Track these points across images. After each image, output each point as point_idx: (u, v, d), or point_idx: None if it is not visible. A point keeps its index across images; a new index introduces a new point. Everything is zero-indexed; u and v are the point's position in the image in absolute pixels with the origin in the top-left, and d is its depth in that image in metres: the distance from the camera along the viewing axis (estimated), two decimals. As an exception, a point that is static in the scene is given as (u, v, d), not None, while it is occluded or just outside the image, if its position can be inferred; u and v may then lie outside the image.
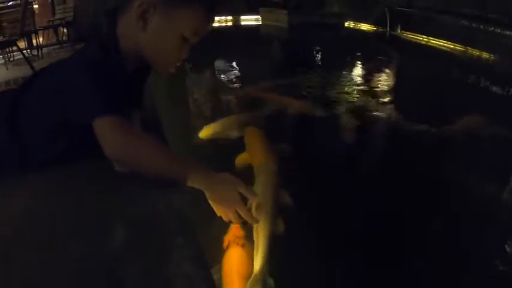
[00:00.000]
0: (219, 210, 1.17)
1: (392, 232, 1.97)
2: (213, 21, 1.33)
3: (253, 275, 1.57)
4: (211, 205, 1.16)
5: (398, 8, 7.89)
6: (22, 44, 6.70)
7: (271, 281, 1.55)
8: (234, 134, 3.08)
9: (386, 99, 4.04)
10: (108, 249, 0.85)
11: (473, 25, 5.78)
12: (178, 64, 1.33)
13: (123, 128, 1.10)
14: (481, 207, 2.19)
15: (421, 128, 3.01)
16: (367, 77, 4.89)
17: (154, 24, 1.23)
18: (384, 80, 4.82)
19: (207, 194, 1.14)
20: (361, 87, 4.48)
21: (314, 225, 2.00)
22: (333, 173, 2.54)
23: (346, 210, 2.13)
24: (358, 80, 4.84)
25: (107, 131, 1.09)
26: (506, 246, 1.91)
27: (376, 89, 4.42)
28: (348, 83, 4.63)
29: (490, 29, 5.45)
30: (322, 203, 2.16)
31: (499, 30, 5.31)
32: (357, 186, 2.39)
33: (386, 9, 7.98)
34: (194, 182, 1.11)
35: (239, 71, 5.25)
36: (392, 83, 4.75)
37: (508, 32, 5.16)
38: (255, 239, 1.75)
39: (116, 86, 1.15)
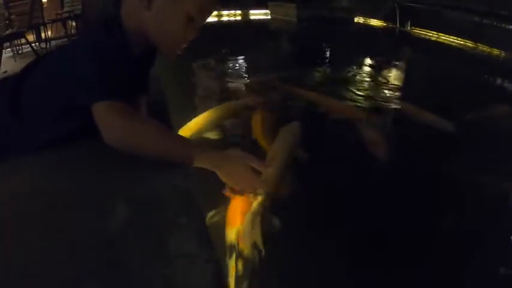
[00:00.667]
0: (232, 184, 1.15)
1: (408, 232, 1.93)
2: (219, 1, 1.29)
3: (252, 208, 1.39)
4: (224, 181, 1.14)
5: (408, 4, 7.83)
6: (31, 37, 6.72)
7: (276, 220, 1.40)
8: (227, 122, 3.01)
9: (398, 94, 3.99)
10: (107, 228, 0.85)
11: (484, 21, 5.72)
12: (185, 44, 1.29)
13: (122, 113, 1.07)
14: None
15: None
16: (379, 73, 4.82)
17: (159, 2, 1.19)
18: (396, 76, 4.76)
19: (218, 172, 1.11)
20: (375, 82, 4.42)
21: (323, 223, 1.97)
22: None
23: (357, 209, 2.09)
24: (371, 76, 4.78)
25: (103, 116, 1.07)
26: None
27: (389, 84, 4.35)
28: (363, 79, 4.56)
29: (500, 25, 5.39)
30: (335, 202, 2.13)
31: (510, 27, 5.25)
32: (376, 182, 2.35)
33: (395, 4, 7.93)
34: (202, 162, 1.09)
35: (248, 64, 5.22)
36: (405, 78, 4.68)
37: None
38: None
39: (119, 69, 1.13)
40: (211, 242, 0.85)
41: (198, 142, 1.14)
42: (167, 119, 1.46)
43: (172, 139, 1.13)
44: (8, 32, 5.47)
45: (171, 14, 1.20)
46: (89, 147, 1.13)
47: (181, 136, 1.16)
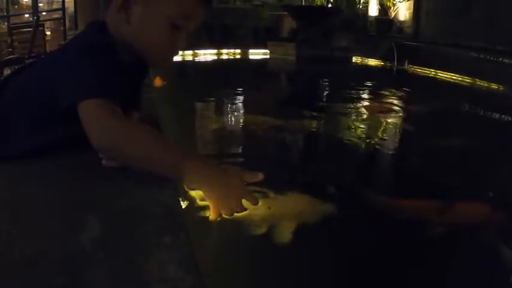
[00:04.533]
0: (219, 207, 0.97)
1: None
2: (207, 2, 1.17)
3: None
4: (210, 203, 0.98)
5: (405, 42, 7.93)
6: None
7: None
8: None
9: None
10: (73, 244, 0.73)
11: (481, 56, 5.76)
12: (175, 55, 1.19)
13: (114, 113, 0.95)
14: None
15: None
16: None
17: (138, 15, 1.09)
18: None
19: (206, 193, 0.97)
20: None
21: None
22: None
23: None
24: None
25: (92, 115, 0.95)
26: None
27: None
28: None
29: (498, 59, 5.42)
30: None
31: (507, 61, 5.28)
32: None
33: (393, 44, 8.03)
34: (192, 177, 0.95)
35: (247, 102, 5.20)
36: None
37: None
38: None
39: (109, 70, 1.03)
40: (198, 265, 0.73)
41: (192, 153, 1.02)
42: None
43: (167, 146, 0.99)
44: (9, 57, 5.55)
45: (153, 25, 1.11)
46: (69, 156, 1.03)
47: (176, 146, 1.04)
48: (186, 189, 1.01)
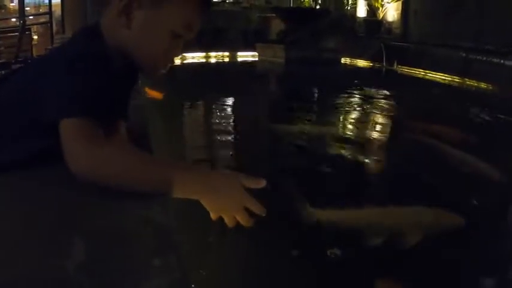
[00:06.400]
0: (220, 213, 0.95)
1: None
2: (208, 12, 1.15)
3: None
4: (211, 213, 0.95)
5: (394, 43, 7.93)
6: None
7: None
8: None
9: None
10: (54, 268, 0.68)
11: (470, 56, 5.77)
12: (170, 64, 1.17)
13: (93, 137, 0.91)
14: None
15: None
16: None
17: (140, 21, 1.06)
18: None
19: (206, 202, 0.94)
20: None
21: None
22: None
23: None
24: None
25: (70, 138, 0.90)
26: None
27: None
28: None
29: (487, 59, 5.44)
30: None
31: (496, 60, 5.29)
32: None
33: (382, 44, 8.03)
34: (184, 187, 0.92)
35: (236, 107, 5.14)
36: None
37: (506, 62, 5.14)
38: None
39: (98, 84, 0.98)
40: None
41: (183, 164, 0.97)
42: (148, 145, 1.33)
43: (150, 163, 0.95)
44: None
45: (154, 33, 1.08)
46: (50, 171, 0.96)
47: (162, 159, 0.99)
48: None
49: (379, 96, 5.44)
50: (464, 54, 5.93)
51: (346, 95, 5.47)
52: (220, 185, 0.94)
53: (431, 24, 7.80)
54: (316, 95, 6.22)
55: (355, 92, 5.65)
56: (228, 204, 0.94)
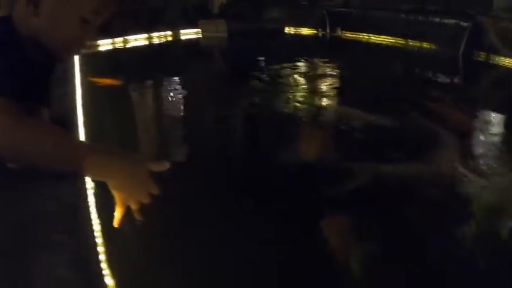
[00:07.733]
0: (125, 199, 0.98)
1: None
2: None
3: None
4: (115, 194, 0.97)
5: (337, 9, 7.93)
6: None
7: None
8: None
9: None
10: None
11: (411, 18, 5.83)
12: (83, 48, 1.16)
13: (6, 111, 0.89)
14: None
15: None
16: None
17: (47, 9, 1.06)
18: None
19: (110, 184, 0.95)
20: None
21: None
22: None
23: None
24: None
25: None
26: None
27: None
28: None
29: (428, 19, 5.51)
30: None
31: (437, 20, 5.36)
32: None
33: (324, 11, 8.02)
34: (95, 170, 0.94)
35: (183, 86, 5.02)
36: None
37: (446, 21, 5.22)
38: None
39: (9, 67, 0.99)
40: (91, 265, 0.75)
41: (98, 146, 0.99)
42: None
43: (67, 141, 0.99)
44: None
45: (63, 20, 1.09)
46: None
47: (76, 139, 0.95)
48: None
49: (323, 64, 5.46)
50: (405, 16, 5.98)
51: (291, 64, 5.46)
52: (128, 169, 0.97)
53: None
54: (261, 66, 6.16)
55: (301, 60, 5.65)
56: (131, 185, 0.97)
